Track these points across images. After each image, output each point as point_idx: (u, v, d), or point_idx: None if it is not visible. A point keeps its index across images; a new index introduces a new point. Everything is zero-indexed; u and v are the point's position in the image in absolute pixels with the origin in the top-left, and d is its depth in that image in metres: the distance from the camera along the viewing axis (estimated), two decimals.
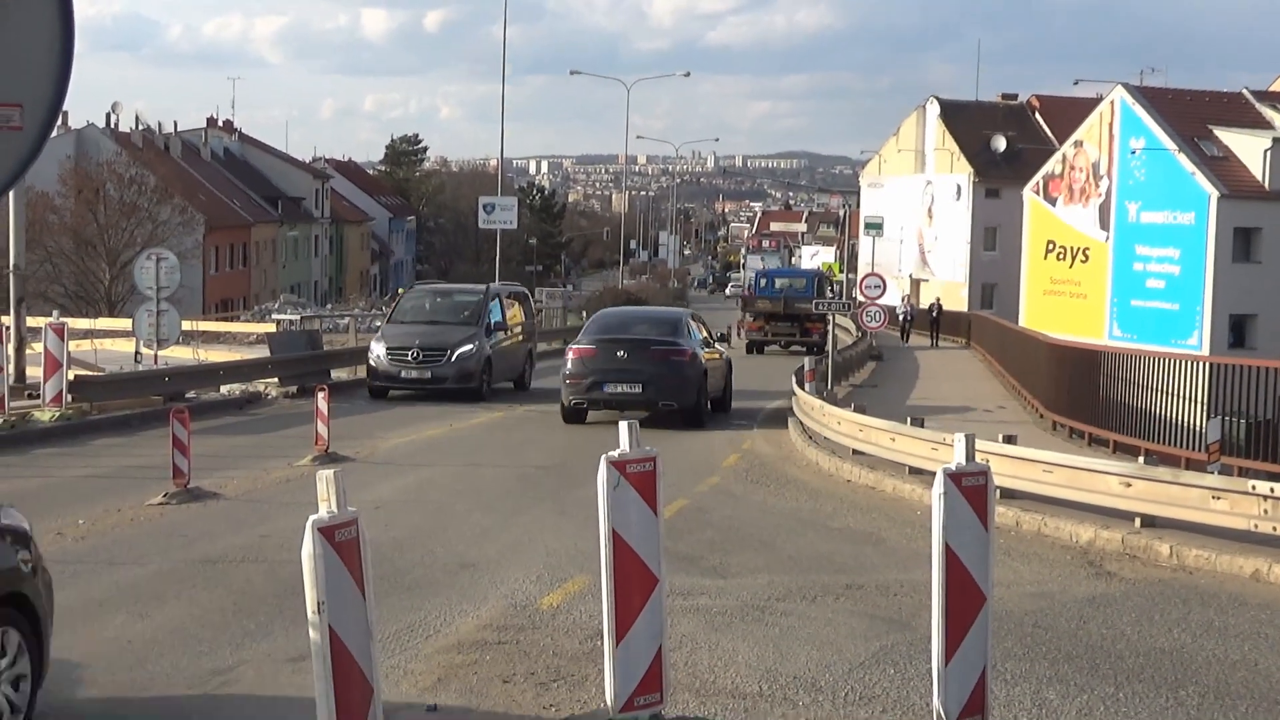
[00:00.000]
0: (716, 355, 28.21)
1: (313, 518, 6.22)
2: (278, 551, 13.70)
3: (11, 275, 26.83)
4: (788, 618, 11.44)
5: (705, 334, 28.19)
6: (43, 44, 4.23)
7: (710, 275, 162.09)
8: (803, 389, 26.95)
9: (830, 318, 36.68)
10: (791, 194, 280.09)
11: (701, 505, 17.38)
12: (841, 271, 79.10)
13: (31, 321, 28.81)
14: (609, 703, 8.06)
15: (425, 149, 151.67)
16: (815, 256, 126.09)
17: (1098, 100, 60.44)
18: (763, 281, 59.34)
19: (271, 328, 45.01)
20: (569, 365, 26.53)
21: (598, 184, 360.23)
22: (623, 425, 8.22)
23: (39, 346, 25.24)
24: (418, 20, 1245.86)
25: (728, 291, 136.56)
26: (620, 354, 26.01)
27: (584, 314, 63.47)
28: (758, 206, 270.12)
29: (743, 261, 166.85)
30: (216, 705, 8.98)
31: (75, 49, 4.34)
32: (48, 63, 4.27)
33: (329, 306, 75.57)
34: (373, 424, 26.00)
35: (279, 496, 17.35)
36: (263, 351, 35.97)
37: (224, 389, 30.12)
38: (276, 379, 31.44)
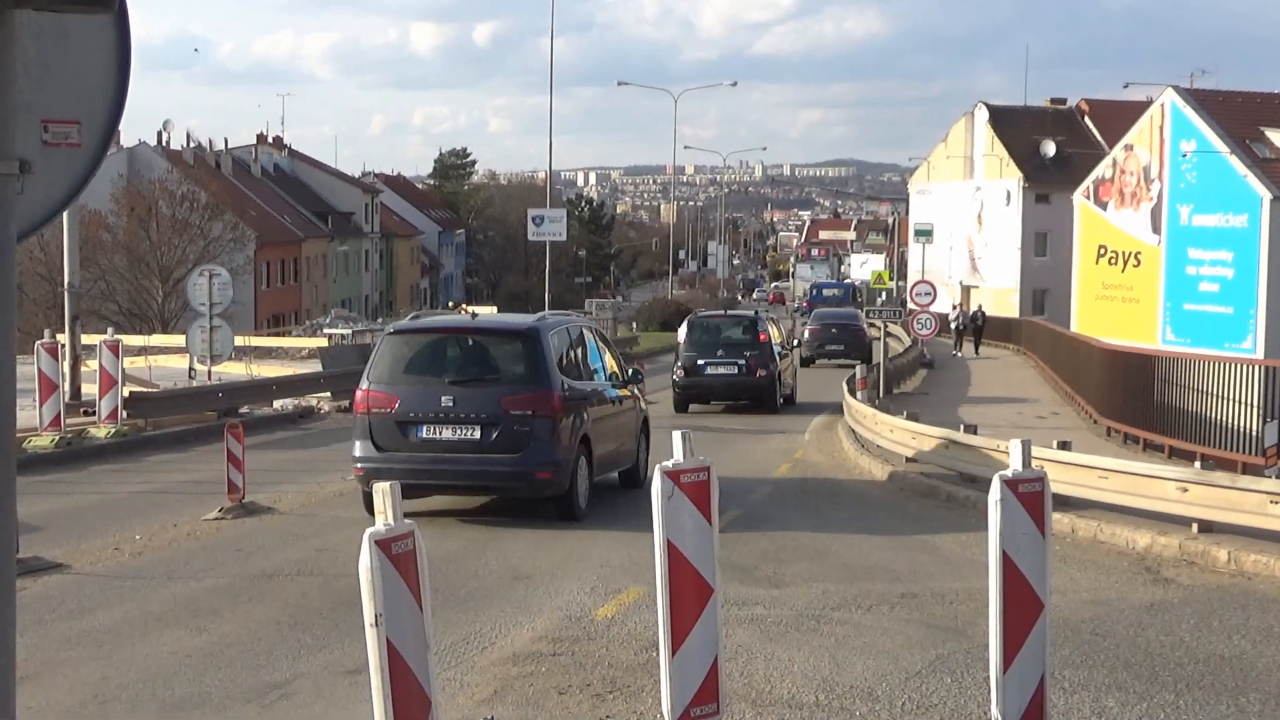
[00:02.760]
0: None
1: (369, 530, 6.24)
2: (332, 565, 13.76)
3: (66, 293, 27.07)
4: (843, 627, 11.40)
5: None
6: (101, 63, 4.28)
7: (740, 282, 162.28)
8: (854, 397, 26.89)
9: (881, 325, 36.54)
10: (840, 202, 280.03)
11: (755, 515, 17.35)
12: (891, 279, 78.93)
13: (86, 339, 29.08)
14: (665, 714, 8.04)
15: (474, 162, 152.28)
16: (865, 265, 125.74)
17: (1148, 103, 60.01)
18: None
19: (323, 342, 45.25)
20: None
21: (646, 195, 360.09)
22: (676, 435, 8.20)
23: (94, 364, 25.44)
24: (466, 34, 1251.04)
25: (754, 296, 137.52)
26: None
27: (634, 325, 63.51)
28: (806, 215, 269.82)
29: (792, 270, 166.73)
30: (274, 719, 9.01)
31: (132, 66, 4.39)
32: (105, 81, 4.32)
33: (380, 320, 75.82)
34: None
35: (333, 510, 17.43)
36: (315, 366, 36.24)
37: (277, 404, 30.32)
38: (329, 393, 31.62)
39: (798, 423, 29.96)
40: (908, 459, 21.44)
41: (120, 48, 4.33)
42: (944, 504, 18.92)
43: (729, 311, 48.34)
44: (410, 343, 17.00)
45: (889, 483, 20.85)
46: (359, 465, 16.34)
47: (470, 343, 16.97)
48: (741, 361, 32.49)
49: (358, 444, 16.34)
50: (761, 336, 32.98)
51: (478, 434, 15.80)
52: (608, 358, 19.00)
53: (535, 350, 16.17)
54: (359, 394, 16.51)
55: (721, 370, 32.53)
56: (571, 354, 17.35)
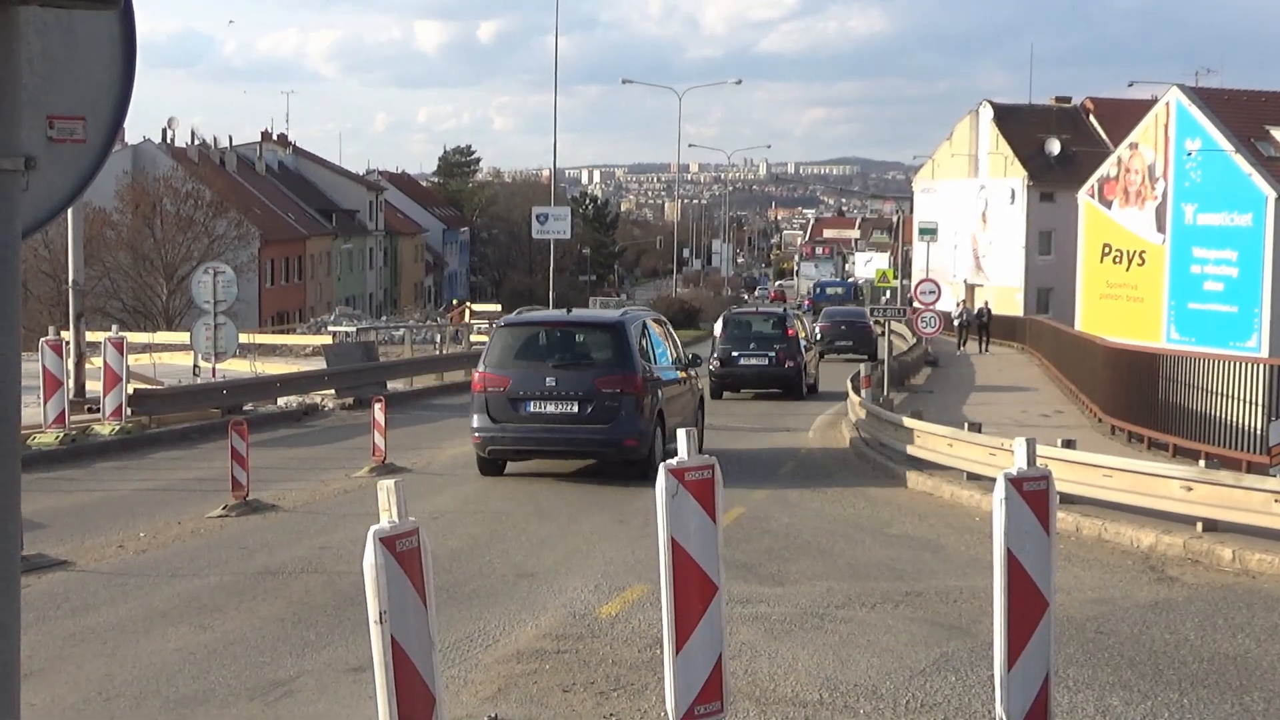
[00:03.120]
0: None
1: (374, 528, 6.23)
2: (336, 562, 13.76)
3: (71, 290, 27.09)
4: (847, 625, 11.40)
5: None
6: (105, 58, 4.27)
7: (742, 280, 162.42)
8: (859, 395, 26.88)
9: (886, 324, 36.79)
10: (844, 200, 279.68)
11: (759, 513, 17.34)
12: (896, 277, 78.87)
13: (91, 336, 29.08)
14: (669, 712, 8.03)
15: (478, 160, 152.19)
16: (869, 263, 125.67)
17: (1152, 102, 59.93)
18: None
19: (327, 340, 45.21)
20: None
21: (650, 193, 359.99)
22: (680, 433, 8.21)
23: (98, 361, 25.44)
24: (471, 32, 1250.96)
25: (755, 294, 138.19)
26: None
27: None
28: (811, 213, 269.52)
29: (796, 269, 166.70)
30: (278, 716, 9.02)
31: (137, 63, 4.39)
32: (110, 77, 4.31)
33: (384, 318, 75.84)
34: (430, 435, 26.08)
35: (337, 508, 17.43)
36: (319, 364, 36.20)
37: (281, 401, 30.31)
38: (333, 391, 31.61)
39: (801, 421, 29.93)
40: (909, 456, 21.43)
41: (126, 44, 4.33)
42: (947, 503, 18.91)
43: (760, 309, 51.01)
44: (518, 333, 20.15)
45: (892, 480, 20.82)
46: (477, 434, 19.40)
47: (568, 333, 20.18)
48: (772, 353, 36.02)
49: (476, 416, 19.30)
50: (790, 331, 36.72)
51: (576, 408, 18.81)
52: (670, 345, 21.69)
53: (621, 339, 19.20)
54: (476, 375, 19.57)
55: (754, 361, 36.03)
56: (645, 342, 19.95)
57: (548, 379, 18.87)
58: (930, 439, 20.99)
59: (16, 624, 3.80)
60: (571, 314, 22.03)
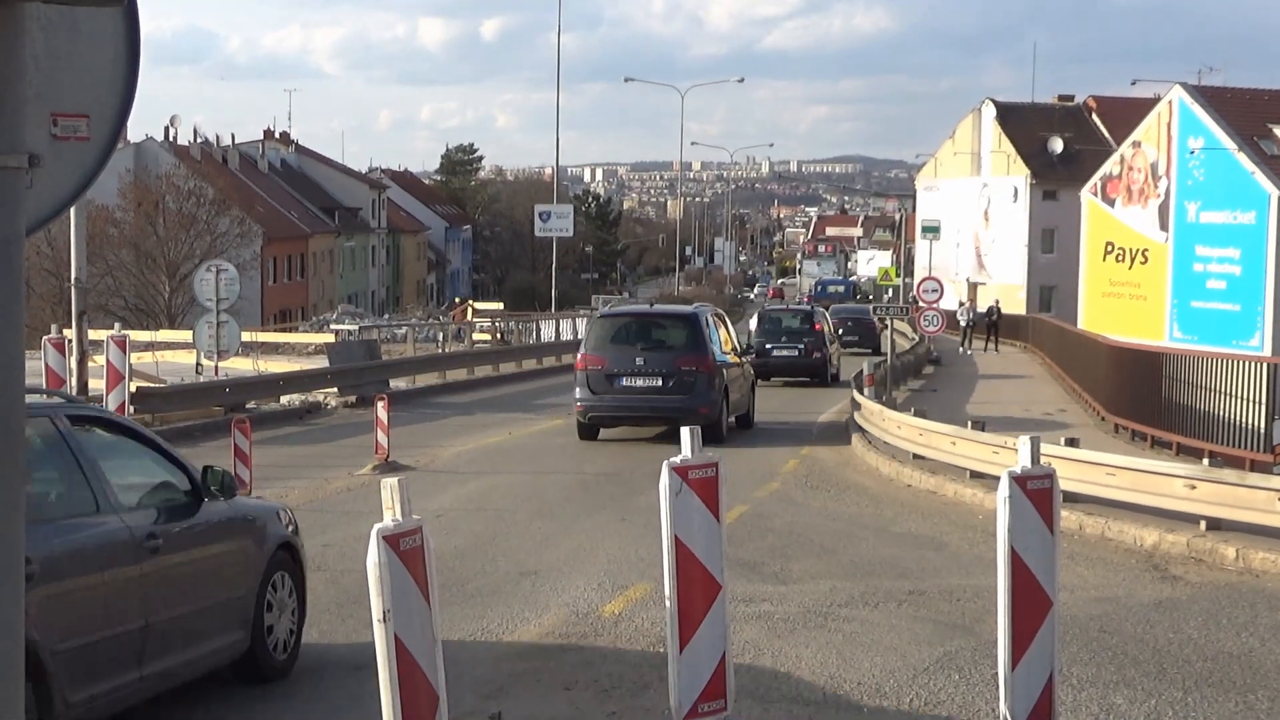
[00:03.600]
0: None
1: (377, 526, 6.23)
2: (339, 560, 13.76)
3: (73, 288, 27.04)
4: (850, 624, 11.39)
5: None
6: (109, 55, 4.26)
7: (742, 277, 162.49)
8: (862, 393, 26.86)
9: (889, 322, 36.80)
10: (847, 198, 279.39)
11: (762, 511, 17.33)
12: (899, 275, 78.86)
13: (93, 334, 29.05)
14: (672, 710, 8.03)
15: (481, 158, 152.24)
16: (872, 261, 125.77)
17: (1155, 100, 59.87)
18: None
19: (330, 338, 45.21)
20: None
21: (653, 190, 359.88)
22: (684, 431, 8.21)
23: (101, 359, 25.42)
24: (474, 30, 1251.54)
25: (755, 292, 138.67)
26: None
27: None
28: (813, 211, 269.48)
29: (799, 267, 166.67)
30: (279, 713, 9.01)
31: (141, 60, 4.38)
32: (114, 74, 4.30)
33: (386, 316, 75.85)
34: (433, 433, 26.09)
35: (340, 506, 17.44)
36: (321, 362, 36.23)
37: (284, 399, 30.33)
38: (336, 389, 31.63)
39: (803, 421, 29.91)
40: (915, 456, 21.42)
41: (130, 41, 4.32)
42: (951, 501, 18.90)
43: (789, 306, 57.21)
44: (613, 323, 25.04)
45: (896, 480, 20.83)
46: (580, 403, 23.85)
47: (652, 322, 24.49)
48: (801, 345, 40.18)
49: (579, 389, 23.66)
50: (817, 326, 41.10)
51: (659, 382, 22.87)
52: (727, 335, 25.15)
53: (696, 327, 23.23)
54: (580, 357, 24.05)
55: (785, 352, 39.91)
56: (711, 330, 23.63)
57: (636, 359, 22.68)
58: (933, 437, 20.98)
59: (20, 621, 3.80)
60: (654, 307, 28.09)
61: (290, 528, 10.30)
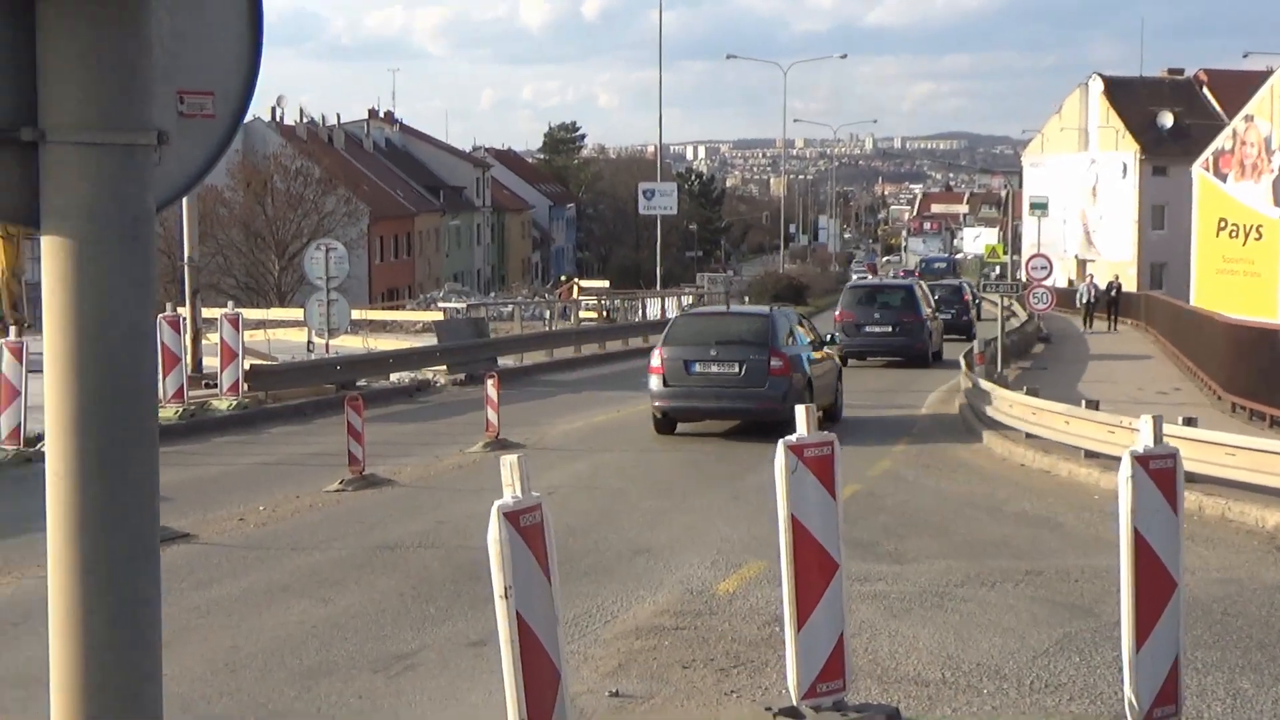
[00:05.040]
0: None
1: (498, 502, 6.22)
2: (453, 537, 13.83)
3: (186, 267, 27.44)
4: (967, 604, 11.27)
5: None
6: (233, 34, 4.27)
7: (847, 256, 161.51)
8: (972, 371, 26.60)
9: (1000, 300, 36.31)
10: (952, 175, 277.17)
11: (874, 490, 17.20)
12: (1005, 253, 78.09)
13: (206, 313, 29.42)
14: (790, 689, 8.00)
15: (583, 136, 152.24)
16: (978, 238, 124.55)
17: (1268, 73, 58.75)
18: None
19: (438, 316, 45.47)
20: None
21: (755, 168, 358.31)
22: (799, 409, 8.16)
23: (214, 337, 25.75)
24: (575, 7, 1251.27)
25: (851, 267, 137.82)
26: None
27: (745, 299, 63.46)
28: (917, 188, 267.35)
29: (904, 244, 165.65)
30: (400, 689, 9.05)
31: (264, 39, 4.39)
32: (238, 53, 4.31)
33: (492, 295, 76.22)
34: (541, 410, 26.17)
35: (452, 483, 17.53)
36: (429, 340, 36.42)
37: (393, 377, 30.52)
38: (444, 366, 31.78)
39: (912, 399, 29.67)
40: (1028, 435, 21.17)
41: (252, 20, 4.32)
42: (1065, 481, 18.67)
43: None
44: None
45: (1008, 459, 20.61)
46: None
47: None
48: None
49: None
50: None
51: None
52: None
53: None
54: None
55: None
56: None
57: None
58: (1046, 416, 20.73)
59: (157, 596, 3.83)
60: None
61: None
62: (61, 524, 3.78)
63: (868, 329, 37.79)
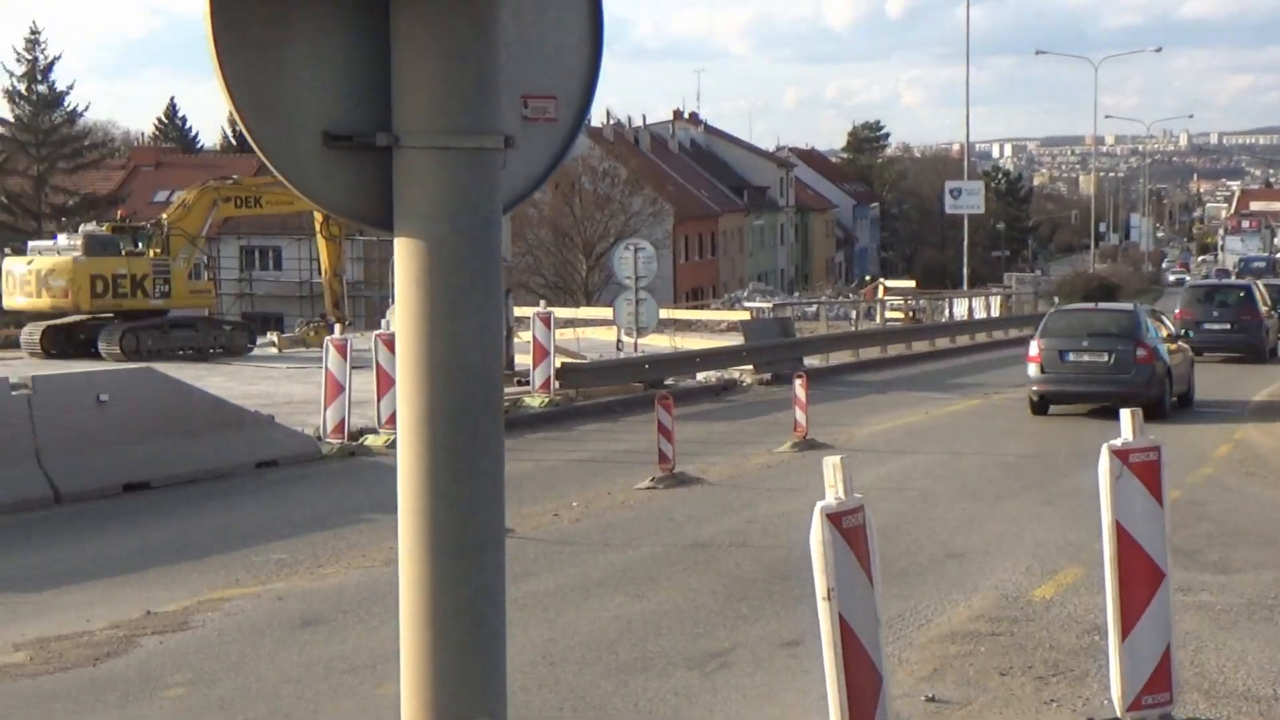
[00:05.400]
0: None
1: (820, 504, 6.22)
2: (763, 536, 13.87)
3: (500, 267, 28.07)
4: None
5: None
6: (574, 39, 4.37)
7: (1161, 255, 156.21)
8: None
9: None
10: (1273, 171, 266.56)
11: (1195, 497, 16.63)
12: None
13: (518, 311, 30.10)
14: (1114, 700, 7.81)
15: (887, 135, 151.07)
16: None
17: None
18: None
19: (743, 316, 45.63)
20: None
21: (1063, 166, 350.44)
22: (1124, 413, 7.98)
23: (526, 335, 26.30)
24: (880, 6, 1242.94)
25: (1163, 266, 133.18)
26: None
27: (1054, 299, 62.22)
28: (1235, 185, 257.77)
29: (1221, 244, 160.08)
30: (715, 686, 9.12)
31: (605, 43, 4.47)
32: (579, 57, 4.40)
33: (796, 294, 76.20)
34: (848, 411, 26.05)
35: (761, 482, 17.58)
36: (734, 339, 36.58)
37: (700, 376, 30.73)
38: (750, 366, 31.88)
39: (1233, 404, 28.65)
40: None
41: (593, 24, 4.41)
42: None
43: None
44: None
45: None
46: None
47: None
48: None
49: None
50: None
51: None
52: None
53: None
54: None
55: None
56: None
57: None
58: None
59: (503, 586, 3.93)
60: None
61: None
62: (413, 515, 3.90)
63: (1206, 326, 38.60)
